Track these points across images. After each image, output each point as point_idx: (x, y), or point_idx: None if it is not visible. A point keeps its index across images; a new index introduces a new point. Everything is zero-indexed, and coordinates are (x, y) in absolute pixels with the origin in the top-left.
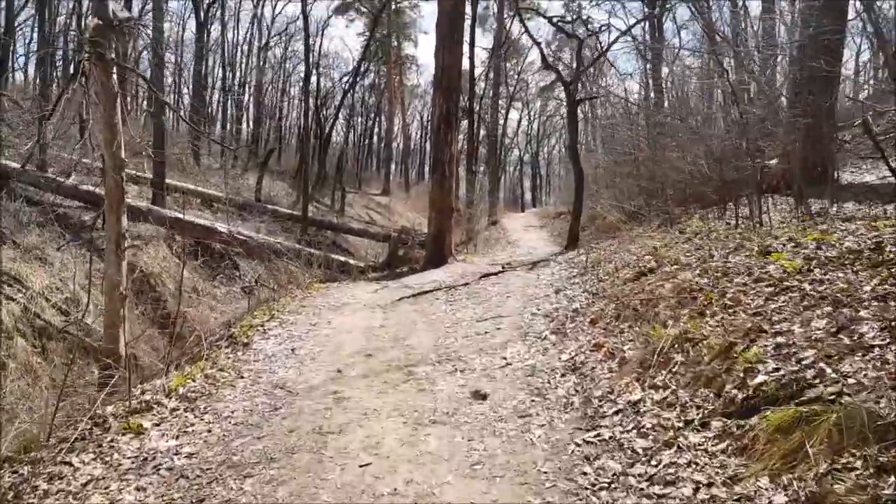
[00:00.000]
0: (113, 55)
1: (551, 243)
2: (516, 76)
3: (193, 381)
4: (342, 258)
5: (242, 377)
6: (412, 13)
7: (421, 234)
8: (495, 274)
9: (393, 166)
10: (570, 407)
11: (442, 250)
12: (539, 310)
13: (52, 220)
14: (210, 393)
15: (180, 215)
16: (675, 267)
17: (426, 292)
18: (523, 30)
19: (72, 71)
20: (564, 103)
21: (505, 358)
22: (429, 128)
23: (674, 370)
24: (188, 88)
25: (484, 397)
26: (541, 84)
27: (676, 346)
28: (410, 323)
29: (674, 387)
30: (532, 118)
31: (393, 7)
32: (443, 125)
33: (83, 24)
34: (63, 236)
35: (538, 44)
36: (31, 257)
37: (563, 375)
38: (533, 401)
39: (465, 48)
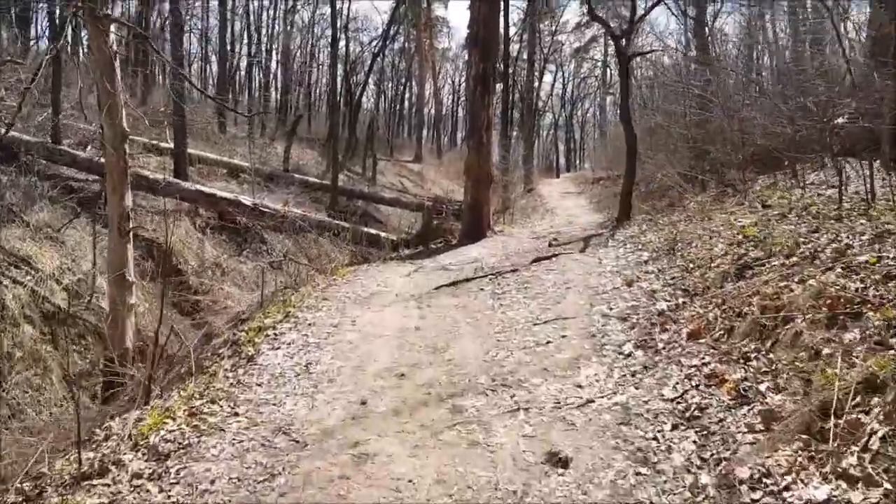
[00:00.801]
0: (108, 11)
1: (592, 211)
2: (550, 37)
3: (173, 419)
4: (373, 231)
5: (237, 413)
6: None
7: (455, 202)
8: (548, 258)
9: (425, 132)
10: (701, 494)
11: (479, 222)
12: (611, 309)
13: (65, 195)
14: (189, 444)
15: (202, 188)
16: (794, 259)
17: (468, 280)
18: None
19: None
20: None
21: (581, 386)
22: (461, 92)
23: (871, 446)
24: (216, 55)
25: (565, 464)
26: (575, 45)
27: (864, 399)
28: (451, 324)
29: (885, 481)
30: (566, 80)
31: None
32: (478, 87)
33: None
34: (76, 213)
35: None
36: (42, 236)
37: (674, 428)
38: (639, 475)
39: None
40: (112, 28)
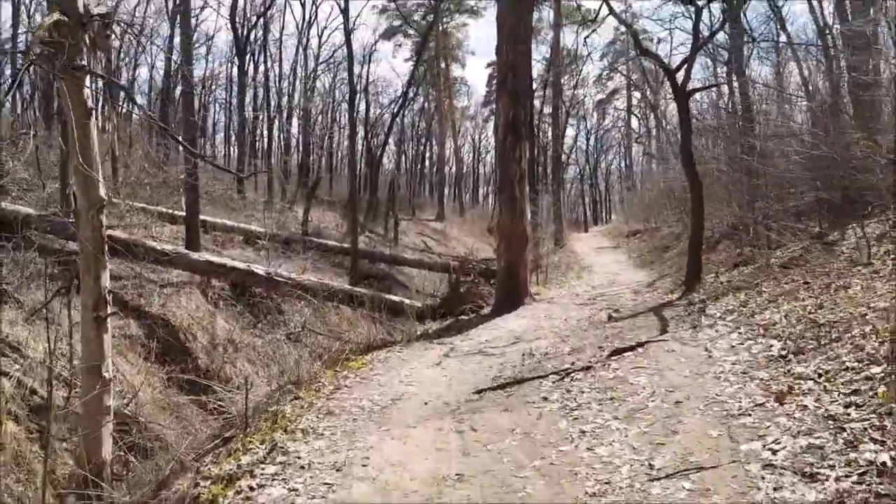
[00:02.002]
0: (84, 62)
1: (634, 268)
2: (571, 90)
3: None
4: (395, 298)
5: None
6: (459, 34)
7: (482, 262)
8: (631, 349)
9: (446, 191)
10: None
11: (516, 288)
12: (774, 452)
13: (61, 272)
14: None
15: (212, 257)
16: None
17: (520, 381)
18: (590, 29)
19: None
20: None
21: None
22: (481, 149)
23: None
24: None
25: None
26: (597, 97)
27: None
28: (511, 471)
29: None
30: (589, 133)
31: (440, 28)
32: (509, 136)
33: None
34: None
35: (629, 26)
36: (37, 318)
37: None
38: None
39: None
40: (86, 82)
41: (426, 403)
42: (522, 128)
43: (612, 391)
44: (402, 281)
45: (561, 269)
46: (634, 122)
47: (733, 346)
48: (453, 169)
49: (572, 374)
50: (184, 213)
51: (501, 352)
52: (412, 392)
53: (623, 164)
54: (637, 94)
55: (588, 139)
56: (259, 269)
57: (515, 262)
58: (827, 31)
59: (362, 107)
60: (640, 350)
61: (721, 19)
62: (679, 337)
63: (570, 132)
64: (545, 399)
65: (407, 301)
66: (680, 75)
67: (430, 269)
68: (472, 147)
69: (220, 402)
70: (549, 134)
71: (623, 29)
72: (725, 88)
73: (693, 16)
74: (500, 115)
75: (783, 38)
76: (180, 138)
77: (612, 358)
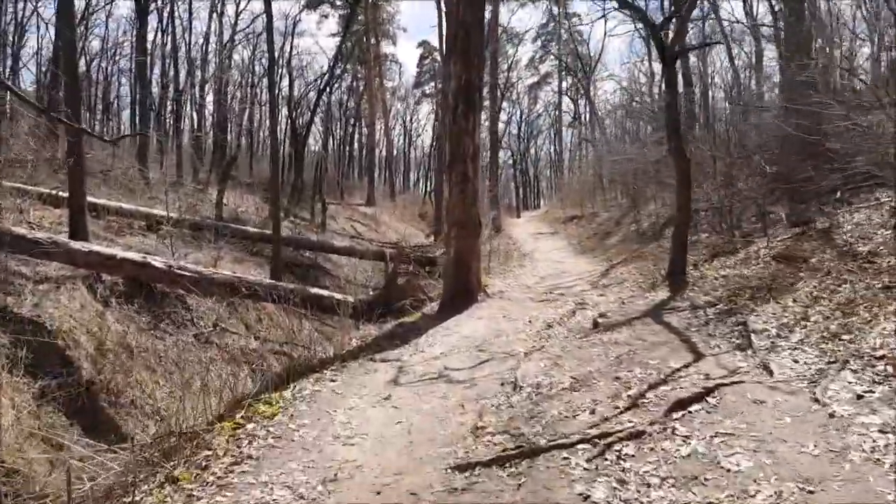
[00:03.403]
0: None
1: (576, 254)
2: (504, 73)
3: None
4: (324, 292)
5: None
6: (390, 7)
7: (416, 248)
8: (698, 398)
9: (377, 174)
10: None
11: (467, 283)
12: None
13: None
14: None
15: (99, 248)
16: None
17: (534, 454)
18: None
19: None
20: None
21: None
22: (412, 132)
23: None
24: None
25: None
26: (528, 81)
27: None
28: None
29: None
30: (521, 118)
31: (369, 1)
32: (461, 104)
33: None
34: None
35: None
36: None
37: None
38: None
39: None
40: None
41: (378, 494)
42: (476, 95)
43: (698, 486)
44: (331, 270)
45: (501, 256)
46: (567, 107)
47: (860, 396)
48: (384, 152)
49: (615, 445)
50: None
51: (470, 377)
52: (354, 465)
53: (553, 150)
54: (569, 79)
55: (520, 124)
56: (158, 262)
57: (467, 253)
58: None
59: (286, 83)
60: (710, 399)
61: None
62: (749, 372)
63: (502, 116)
64: (585, 499)
65: (338, 296)
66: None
67: (361, 256)
68: (403, 129)
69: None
70: (487, 112)
71: (556, 11)
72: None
73: None
74: (452, 79)
75: None
76: (63, 109)
77: (672, 416)
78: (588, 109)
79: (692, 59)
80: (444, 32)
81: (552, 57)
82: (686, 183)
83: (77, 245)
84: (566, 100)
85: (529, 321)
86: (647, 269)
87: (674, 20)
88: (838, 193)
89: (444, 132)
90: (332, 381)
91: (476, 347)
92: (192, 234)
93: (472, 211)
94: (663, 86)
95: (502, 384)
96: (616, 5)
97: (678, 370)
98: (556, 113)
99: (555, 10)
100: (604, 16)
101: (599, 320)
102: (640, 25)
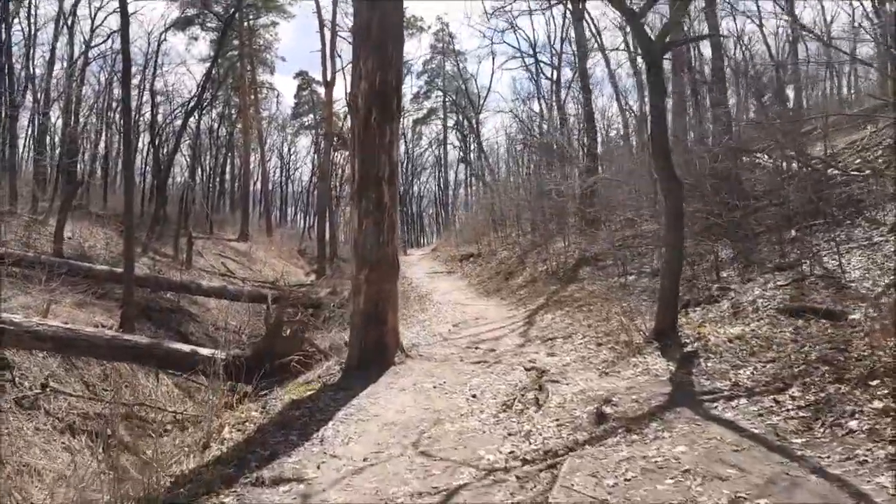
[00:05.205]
0: None
1: (479, 296)
2: None
3: None
4: (185, 348)
5: None
6: (268, 35)
7: (294, 287)
8: None
9: (251, 208)
10: None
11: (381, 340)
12: None
13: None
14: None
15: None
16: None
17: None
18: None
19: None
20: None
21: None
22: (290, 164)
23: None
24: None
25: None
26: (413, 118)
27: None
28: None
29: None
30: (406, 154)
31: (245, 24)
32: (375, 112)
33: None
34: None
35: None
36: None
37: None
38: None
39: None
40: None
41: None
42: (395, 101)
43: None
44: (197, 315)
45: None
46: (453, 143)
47: None
48: (259, 184)
49: None
50: None
51: None
52: None
53: (438, 187)
54: (455, 116)
55: (404, 161)
56: None
57: (382, 301)
58: None
59: (149, 110)
60: None
61: None
62: None
63: None
64: None
65: (204, 351)
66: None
67: (234, 298)
68: (280, 162)
69: None
70: None
71: (442, 46)
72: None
73: None
74: (361, 80)
75: None
76: None
77: None
78: (476, 146)
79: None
80: (355, 21)
81: (438, 92)
82: (678, 214)
83: None
84: (452, 136)
85: (474, 396)
86: (596, 319)
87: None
88: (793, 232)
89: (352, 147)
90: None
91: (414, 447)
92: (21, 272)
93: (388, 248)
94: (647, 93)
95: None
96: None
97: None
98: (442, 149)
99: (438, 45)
100: (492, 53)
101: (607, 410)
102: (529, 61)
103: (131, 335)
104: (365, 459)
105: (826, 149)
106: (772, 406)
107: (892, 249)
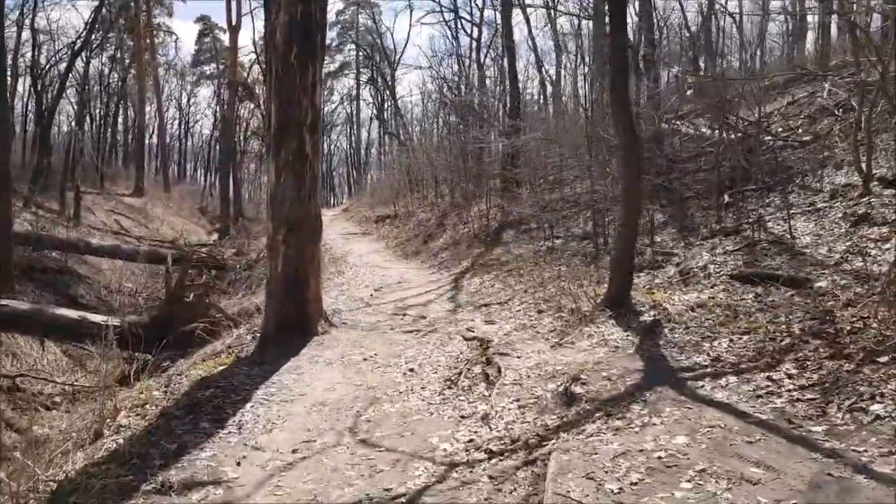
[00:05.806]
0: None
1: (399, 259)
2: None
3: None
4: (74, 314)
5: None
6: None
7: (196, 247)
8: None
9: (146, 162)
10: None
11: (303, 308)
12: None
13: None
14: None
15: None
16: None
17: None
18: None
19: None
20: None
21: None
22: (190, 114)
23: None
24: None
25: None
26: (325, 70)
27: None
28: None
29: None
30: None
31: None
32: (295, 48)
33: None
34: None
35: None
36: None
37: None
38: None
39: None
40: None
41: None
42: (319, 35)
43: None
44: (88, 276)
45: None
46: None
47: None
48: (156, 137)
49: None
50: None
51: None
52: None
53: (350, 146)
54: (369, 71)
55: None
56: None
57: (304, 264)
58: None
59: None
60: None
61: None
62: None
63: None
64: None
65: (96, 317)
66: None
67: (129, 258)
68: (179, 114)
69: None
70: None
71: None
72: None
73: None
74: (280, 10)
75: None
76: None
77: None
78: (392, 103)
79: None
80: None
81: (352, 45)
82: (637, 171)
83: None
84: (366, 93)
85: (411, 370)
86: (529, 284)
87: None
88: (726, 198)
89: (269, 90)
90: None
91: (352, 434)
92: None
93: (310, 204)
94: (607, 21)
95: None
96: None
97: None
98: (355, 105)
99: None
100: (409, 6)
101: (576, 389)
102: (449, 16)
103: (9, 299)
104: (294, 451)
105: (758, 115)
106: (769, 386)
107: (839, 216)
